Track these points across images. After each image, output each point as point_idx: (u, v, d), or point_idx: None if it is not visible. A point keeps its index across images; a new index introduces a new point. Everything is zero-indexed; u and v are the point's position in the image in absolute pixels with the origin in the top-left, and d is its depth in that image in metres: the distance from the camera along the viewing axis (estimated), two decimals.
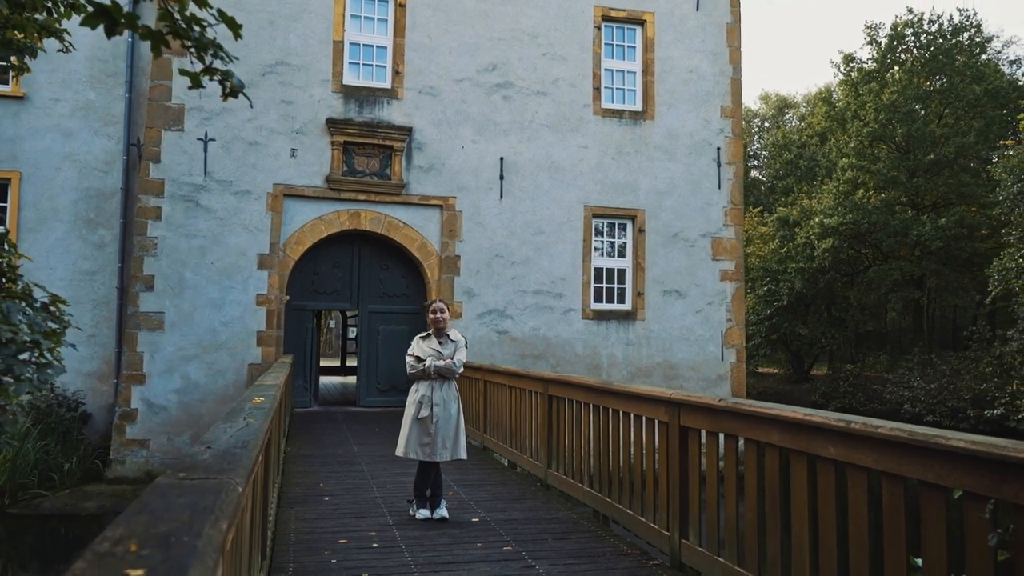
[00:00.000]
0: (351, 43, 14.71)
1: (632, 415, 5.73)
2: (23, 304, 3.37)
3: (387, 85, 14.74)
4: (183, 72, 2.61)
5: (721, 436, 4.50)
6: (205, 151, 13.61)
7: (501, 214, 15.06)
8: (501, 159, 15.08)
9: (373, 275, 15.15)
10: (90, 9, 5.18)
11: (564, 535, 5.69)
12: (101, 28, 2.57)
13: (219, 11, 2.41)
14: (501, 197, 15.06)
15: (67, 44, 5.32)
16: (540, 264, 15.18)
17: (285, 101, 14.07)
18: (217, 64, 2.64)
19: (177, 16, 2.41)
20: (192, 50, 2.57)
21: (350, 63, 14.67)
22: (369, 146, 14.40)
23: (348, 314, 29.34)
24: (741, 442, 4.35)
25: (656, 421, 5.26)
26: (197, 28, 2.51)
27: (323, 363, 26.93)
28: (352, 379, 24.03)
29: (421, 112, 14.78)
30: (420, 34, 14.91)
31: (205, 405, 13.40)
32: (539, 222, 15.24)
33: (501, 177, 15.06)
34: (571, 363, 15.06)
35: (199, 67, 2.64)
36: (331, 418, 13.32)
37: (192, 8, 2.52)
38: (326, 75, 14.33)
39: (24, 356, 3.46)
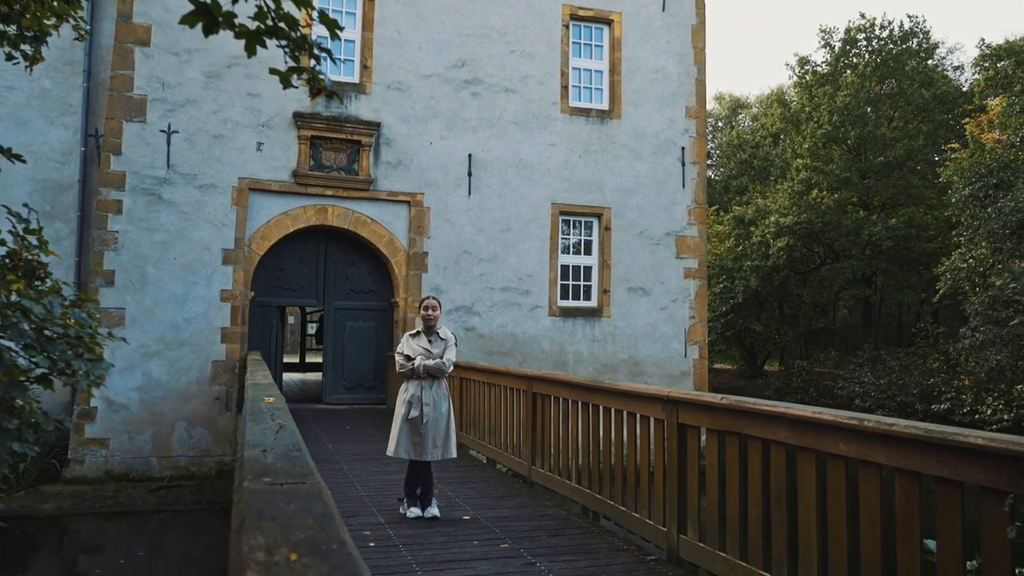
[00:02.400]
0: (318, 36, 14.48)
1: (625, 413, 5.79)
2: (58, 303, 3.29)
3: (355, 80, 14.58)
4: (273, 71, 2.56)
5: (722, 434, 4.58)
6: (168, 143, 13.29)
7: (469, 211, 15.04)
8: (469, 156, 15.06)
9: (340, 271, 15.00)
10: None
11: (557, 532, 5.74)
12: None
13: (321, 13, 2.37)
14: (469, 194, 15.04)
15: (83, 31, 5.16)
16: (507, 261, 15.21)
17: (251, 94, 13.81)
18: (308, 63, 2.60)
19: (273, 16, 2.37)
20: (287, 49, 2.53)
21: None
22: (337, 141, 14.23)
23: (308, 310, 28.95)
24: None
25: (652, 419, 5.33)
26: (296, 30, 2.48)
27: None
28: (312, 375, 23.75)
29: (389, 107, 14.67)
30: (389, 29, 14.78)
31: (167, 403, 13.11)
32: (507, 219, 15.26)
33: (469, 174, 15.04)
34: (537, 359, 15.12)
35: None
36: (298, 416, 13.14)
37: (289, 7, 2.48)
38: None
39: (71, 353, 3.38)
